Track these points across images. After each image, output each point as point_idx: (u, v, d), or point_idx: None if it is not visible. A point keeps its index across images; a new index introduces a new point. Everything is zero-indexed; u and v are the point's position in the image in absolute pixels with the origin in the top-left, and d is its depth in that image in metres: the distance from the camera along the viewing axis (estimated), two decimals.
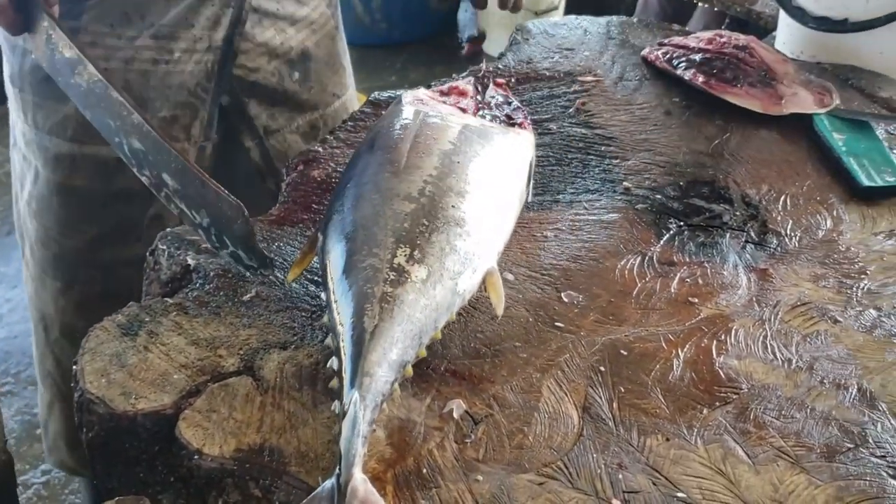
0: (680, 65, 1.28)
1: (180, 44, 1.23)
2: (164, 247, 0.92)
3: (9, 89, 1.29)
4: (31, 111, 1.27)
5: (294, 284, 0.88)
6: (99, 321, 0.81)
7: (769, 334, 0.84)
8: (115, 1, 1.18)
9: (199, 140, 1.30)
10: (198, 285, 0.88)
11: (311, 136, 1.40)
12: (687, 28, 1.64)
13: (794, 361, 0.81)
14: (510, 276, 0.90)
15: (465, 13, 3.89)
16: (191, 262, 0.89)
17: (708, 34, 1.35)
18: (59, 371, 1.44)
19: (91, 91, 0.94)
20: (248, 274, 0.87)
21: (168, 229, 0.96)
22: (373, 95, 1.23)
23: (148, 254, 0.94)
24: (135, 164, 0.92)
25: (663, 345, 0.82)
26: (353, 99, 1.50)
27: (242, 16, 1.27)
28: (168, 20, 1.21)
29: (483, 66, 1.26)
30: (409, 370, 0.73)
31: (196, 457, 0.70)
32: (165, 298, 0.86)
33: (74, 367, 0.78)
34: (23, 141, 1.31)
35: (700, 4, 1.78)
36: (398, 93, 1.15)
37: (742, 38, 1.31)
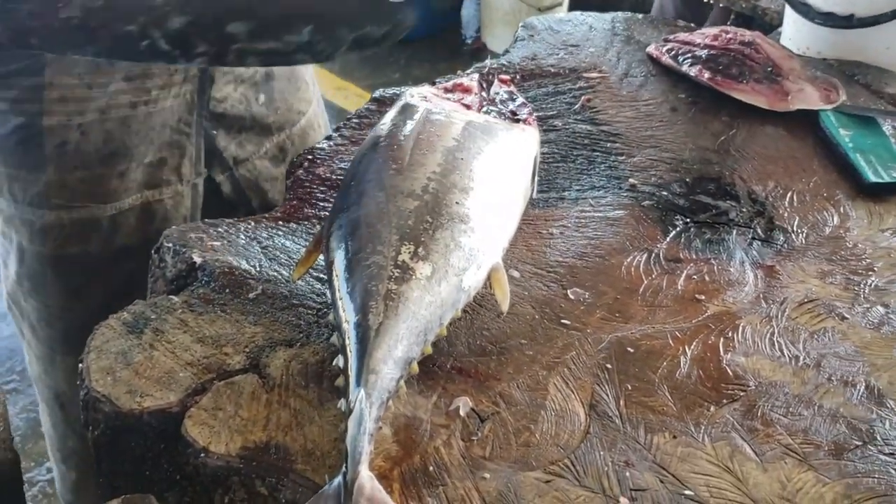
0: (685, 61, 1.27)
1: (156, 80, 1.14)
2: (170, 244, 0.92)
3: None
4: (7, 184, 1.16)
5: (299, 282, 0.87)
6: None
7: (776, 331, 0.84)
8: None
9: (190, 178, 1.23)
10: (203, 283, 0.87)
11: (279, 160, 1.34)
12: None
13: (801, 358, 0.81)
14: (516, 274, 0.90)
15: (468, 10, 3.89)
16: (196, 259, 0.89)
17: (713, 30, 1.34)
18: (86, 448, 1.38)
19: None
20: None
21: (174, 227, 0.95)
22: (377, 93, 1.23)
23: (153, 251, 0.94)
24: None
25: (670, 342, 0.82)
26: (317, 113, 1.43)
27: None
28: None
29: (488, 62, 1.26)
30: (415, 367, 0.73)
31: (202, 455, 0.70)
32: (171, 296, 0.86)
33: (80, 365, 0.78)
34: (0, 218, 1.21)
35: (714, 3, 1.77)
36: (402, 90, 1.15)
37: (748, 35, 1.31)
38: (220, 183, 1.28)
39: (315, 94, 1.44)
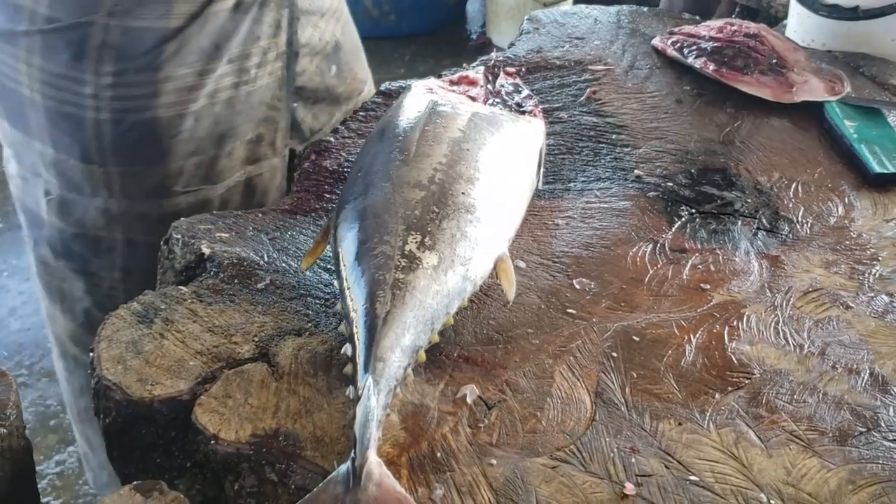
0: (690, 53, 1.28)
1: (253, 59, 1.18)
2: (179, 236, 0.93)
3: (69, 173, 1.17)
4: (120, 183, 1.17)
5: (307, 273, 0.88)
6: None
7: (781, 320, 0.84)
8: (187, 40, 1.12)
9: (282, 151, 1.27)
10: (212, 274, 0.88)
11: None
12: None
13: (806, 347, 0.81)
14: (522, 264, 0.90)
15: (474, 5, 3.89)
16: (205, 250, 0.90)
17: (718, 23, 1.35)
18: None
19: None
20: None
21: (182, 219, 0.96)
22: (383, 86, 1.24)
23: (162, 243, 0.95)
24: None
25: (675, 331, 0.82)
26: (371, 81, 1.48)
27: (296, 13, 1.22)
28: (237, 40, 1.16)
29: (493, 55, 1.26)
30: (422, 355, 0.74)
31: (212, 442, 0.70)
32: (180, 287, 0.87)
33: (91, 354, 0.79)
34: (102, 221, 1.20)
35: None
36: (408, 82, 1.15)
37: (753, 27, 1.31)
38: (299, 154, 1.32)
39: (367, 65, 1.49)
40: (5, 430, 0.76)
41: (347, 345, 0.73)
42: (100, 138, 1.13)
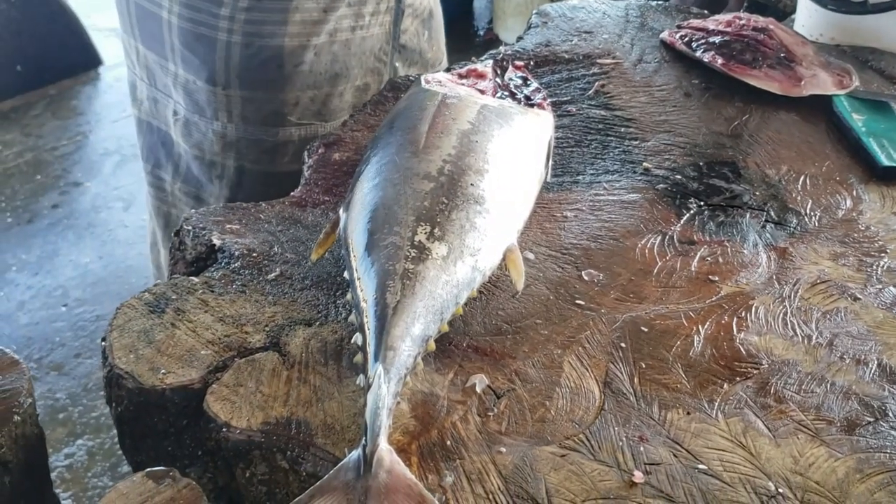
0: (699, 47, 1.28)
1: (368, 7, 1.25)
2: (189, 227, 0.94)
3: (195, 94, 1.25)
4: (241, 107, 1.24)
5: (317, 264, 0.89)
6: None
7: (789, 311, 0.85)
8: None
9: None
10: (223, 264, 0.89)
11: None
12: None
13: (813, 337, 0.82)
14: (531, 256, 0.91)
15: (481, 1, 3.89)
16: (216, 241, 0.91)
17: (727, 17, 1.35)
18: None
19: None
20: None
21: (192, 210, 0.97)
22: (392, 78, 1.24)
23: (173, 234, 0.96)
24: None
25: (684, 322, 0.83)
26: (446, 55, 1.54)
27: None
28: None
29: (502, 49, 1.27)
30: (432, 345, 0.74)
31: (224, 430, 0.71)
32: (191, 277, 0.87)
33: (103, 343, 0.80)
34: (218, 146, 1.27)
35: None
36: (416, 76, 1.16)
37: (761, 21, 1.31)
38: None
39: None
40: (19, 418, 0.76)
41: (358, 334, 0.73)
42: (228, 60, 1.20)
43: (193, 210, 0.97)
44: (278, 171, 1.28)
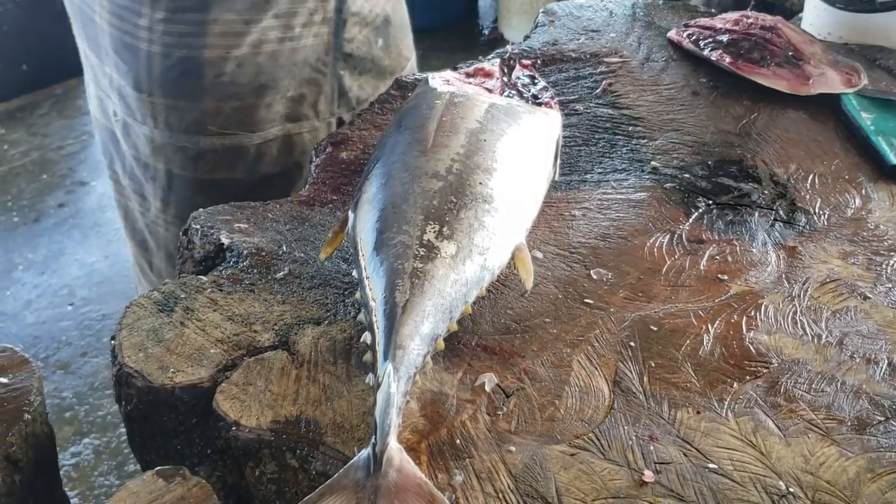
0: (707, 46, 1.28)
1: (299, 18, 1.23)
2: (198, 226, 0.94)
3: (126, 98, 1.27)
4: (165, 114, 1.24)
5: (326, 263, 0.89)
6: None
7: (799, 310, 0.85)
8: None
9: (326, 117, 1.31)
10: (231, 263, 0.89)
11: None
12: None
13: (823, 337, 0.82)
14: (539, 255, 0.90)
15: (486, 0, 3.89)
16: (224, 240, 0.91)
17: (734, 15, 1.35)
18: None
19: None
20: None
21: (201, 209, 0.97)
22: (399, 78, 1.24)
23: (181, 233, 0.96)
24: None
25: (693, 321, 0.83)
26: (415, 59, 1.53)
27: None
28: None
29: (509, 48, 1.26)
30: (441, 344, 0.74)
31: (233, 428, 0.71)
32: (199, 276, 0.87)
33: (112, 342, 0.80)
34: (148, 149, 1.28)
35: None
36: (425, 75, 1.16)
37: (769, 19, 1.31)
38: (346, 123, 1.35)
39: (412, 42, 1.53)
40: (29, 416, 0.76)
41: (367, 333, 0.73)
42: (150, 69, 1.21)
43: (202, 209, 0.97)
44: (203, 178, 1.28)
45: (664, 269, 0.89)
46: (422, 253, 0.77)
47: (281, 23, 1.21)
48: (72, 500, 1.98)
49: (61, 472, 2.09)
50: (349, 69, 1.33)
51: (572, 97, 1.19)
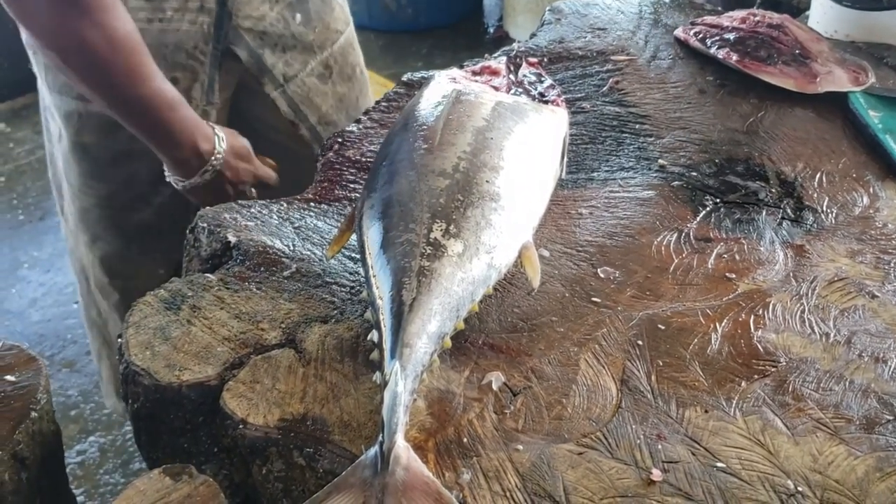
0: (713, 44, 1.27)
1: (171, 3, 1.23)
2: (204, 224, 0.94)
3: (30, 53, 1.33)
4: (44, 72, 1.30)
5: (332, 261, 0.89)
6: (121, 279, 0.79)
7: (807, 309, 0.84)
8: None
9: (200, 104, 1.31)
10: (238, 261, 0.89)
11: (326, 77, 1.43)
12: None
13: (832, 335, 0.81)
14: (546, 253, 0.90)
15: None
16: (231, 239, 0.91)
17: (741, 13, 1.34)
18: (101, 320, 1.50)
19: None
20: None
21: (208, 207, 0.97)
22: (405, 76, 1.24)
23: (188, 231, 0.96)
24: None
25: (701, 319, 0.82)
26: (353, 35, 1.52)
27: None
28: None
29: (515, 45, 1.26)
30: (448, 342, 0.74)
31: (241, 426, 0.71)
32: (207, 274, 0.87)
33: (119, 340, 0.80)
34: (45, 101, 1.35)
35: None
36: (431, 73, 1.16)
37: (776, 17, 1.30)
38: (275, 99, 1.38)
39: (349, 17, 1.52)
40: (36, 415, 0.76)
41: (374, 331, 0.73)
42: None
43: (209, 207, 0.97)
44: (70, 140, 1.32)
45: (672, 268, 0.89)
46: (429, 251, 0.76)
47: (151, 5, 1.22)
48: (77, 499, 1.98)
49: (66, 471, 2.09)
50: (268, 47, 1.34)
51: (579, 95, 1.19)
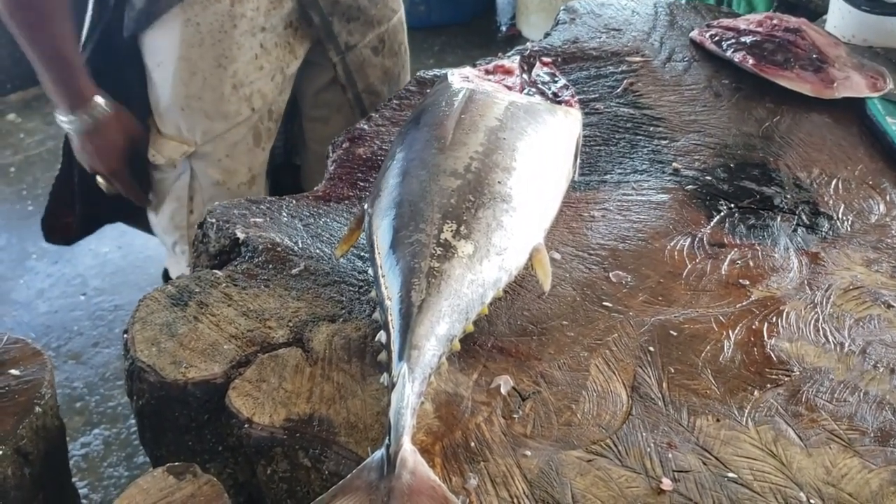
0: (729, 47, 1.26)
1: None
2: (213, 220, 0.93)
3: None
4: None
5: (341, 260, 0.88)
6: None
7: (821, 317, 0.83)
8: None
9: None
10: (246, 258, 0.88)
11: (378, 50, 1.54)
12: None
13: (846, 345, 0.80)
14: (557, 256, 0.89)
15: None
16: (240, 235, 0.90)
17: (758, 17, 1.33)
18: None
19: None
20: None
21: (217, 203, 0.96)
22: (418, 74, 1.23)
23: (197, 227, 0.95)
24: None
25: (714, 326, 0.81)
26: (403, 16, 1.61)
27: None
28: None
29: (529, 45, 1.25)
30: (457, 344, 0.73)
31: (246, 426, 0.70)
32: (214, 271, 0.87)
33: (125, 335, 0.79)
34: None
35: None
36: (443, 70, 1.15)
37: (793, 21, 1.29)
38: (336, 64, 1.49)
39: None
40: (40, 409, 0.76)
41: (382, 332, 0.72)
42: None
43: (217, 203, 0.96)
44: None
45: (684, 273, 0.88)
46: (439, 252, 0.75)
47: None
48: (80, 491, 1.98)
49: (70, 463, 2.09)
50: (336, 15, 1.43)
51: (593, 96, 1.17)
